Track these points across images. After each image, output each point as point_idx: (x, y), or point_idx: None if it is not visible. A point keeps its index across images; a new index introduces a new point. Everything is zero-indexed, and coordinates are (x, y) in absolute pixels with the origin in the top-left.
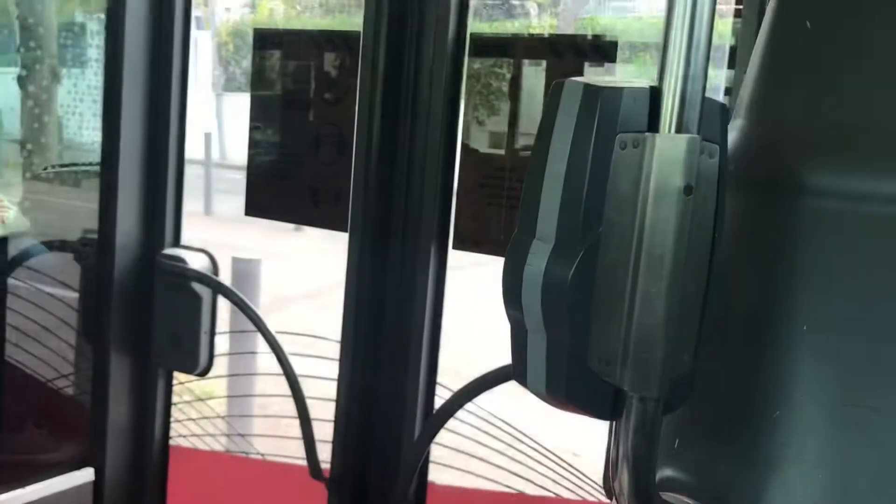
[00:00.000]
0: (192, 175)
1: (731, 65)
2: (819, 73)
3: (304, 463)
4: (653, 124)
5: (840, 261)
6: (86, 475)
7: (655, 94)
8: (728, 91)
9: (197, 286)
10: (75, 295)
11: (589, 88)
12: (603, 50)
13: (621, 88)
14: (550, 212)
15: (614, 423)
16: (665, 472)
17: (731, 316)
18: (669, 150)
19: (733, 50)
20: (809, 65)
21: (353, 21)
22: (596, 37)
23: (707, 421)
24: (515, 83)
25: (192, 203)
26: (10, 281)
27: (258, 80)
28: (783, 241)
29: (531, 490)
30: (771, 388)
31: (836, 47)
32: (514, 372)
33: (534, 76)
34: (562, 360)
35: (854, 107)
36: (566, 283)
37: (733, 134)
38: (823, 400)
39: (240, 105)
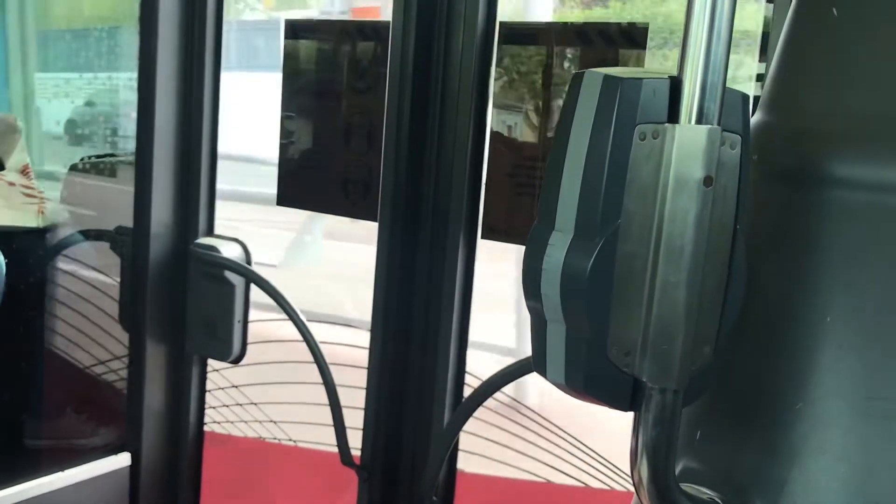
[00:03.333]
0: None
1: (763, 50)
2: (844, 63)
3: (335, 449)
4: (673, 115)
5: (864, 251)
6: (122, 460)
7: (676, 85)
8: (760, 78)
9: (230, 275)
10: (112, 283)
11: (608, 79)
12: (633, 36)
13: (641, 79)
14: (569, 203)
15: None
16: (686, 464)
17: (753, 307)
18: (689, 140)
19: (765, 36)
20: (834, 54)
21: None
22: (629, 24)
23: (728, 412)
24: (547, 71)
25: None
26: (49, 270)
27: (289, 71)
28: (807, 232)
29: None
30: (793, 380)
31: (861, 37)
32: (534, 362)
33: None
34: (581, 350)
35: (879, 97)
36: (585, 274)
37: (757, 124)
38: (846, 392)
39: None
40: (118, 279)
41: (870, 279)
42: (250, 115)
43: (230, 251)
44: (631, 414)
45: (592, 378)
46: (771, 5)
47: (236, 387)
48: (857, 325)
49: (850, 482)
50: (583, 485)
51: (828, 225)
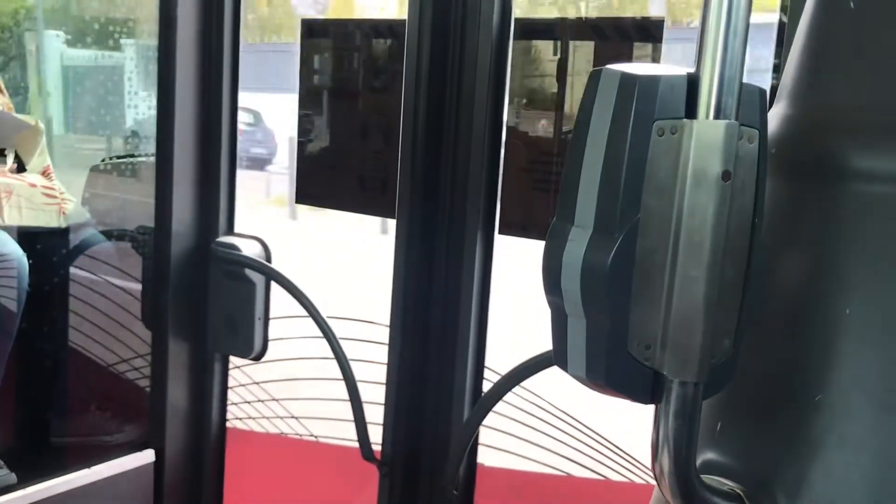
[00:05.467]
0: None
1: (779, 42)
2: (864, 54)
3: (356, 445)
4: (690, 111)
5: (884, 243)
6: (146, 456)
7: (693, 81)
8: (777, 68)
9: (250, 273)
10: (134, 282)
11: (626, 76)
12: (649, 30)
13: (658, 76)
14: (589, 199)
15: (655, 406)
16: (707, 456)
17: (773, 299)
18: (707, 136)
19: (782, 26)
20: (853, 46)
21: None
22: (643, 18)
23: (749, 405)
24: (562, 66)
25: None
26: (71, 270)
27: (306, 70)
28: (827, 225)
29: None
30: (813, 372)
31: (880, 27)
32: (555, 357)
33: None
34: (601, 344)
35: None
36: (605, 269)
37: (776, 118)
38: (866, 384)
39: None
40: (140, 278)
41: (889, 271)
42: None
43: (250, 249)
44: (652, 407)
45: (613, 372)
46: None
47: (257, 383)
48: (877, 317)
49: (870, 474)
50: (603, 478)
51: (847, 217)
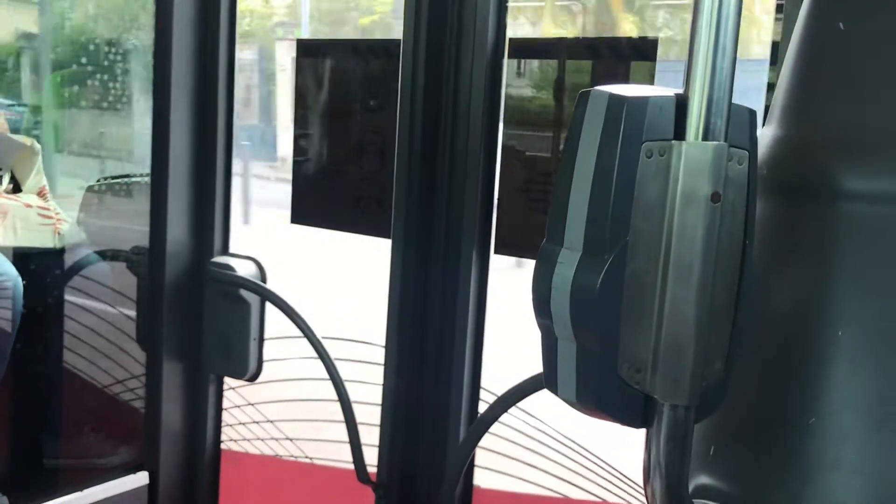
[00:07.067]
0: None
1: (773, 62)
2: (854, 75)
3: (351, 467)
4: (679, 132)
5: (876, 265)
6: (140, 479)
7: (682, 102)
8: (770, 87)
9: (245, 293)
10: (129, 303)
11: (614, 98)
12: (644, 50)
13: (647, 97)
14: (578, 221)
15: (646, 430)
16: (700, 480)
17: (765, 322)
18: (696, 157)
19: (775, 46)
20: (843, 68)
21: None
22: (638, 38)
23: (742, 428)
24: (557, 85)
25: None
26: (66, 290)
27: (302, 90)
28: (818, 246)
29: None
30: (806, 395)
31: (869, 49)
32: (545, 379)
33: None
34: (592, 367)
35: (890, 110)
36: (594, 292)
37: (767, 139)
38: (860, 406)
39: None
40: (135, 299)
41: (882, 292)
42: None
43: (245, 269)
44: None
45: (604, 395)
46: (781, 15)
47: (252, 404)
48: (870, 338)
49: (865, 496)
50: (600, 500)
51: (840, 238)
